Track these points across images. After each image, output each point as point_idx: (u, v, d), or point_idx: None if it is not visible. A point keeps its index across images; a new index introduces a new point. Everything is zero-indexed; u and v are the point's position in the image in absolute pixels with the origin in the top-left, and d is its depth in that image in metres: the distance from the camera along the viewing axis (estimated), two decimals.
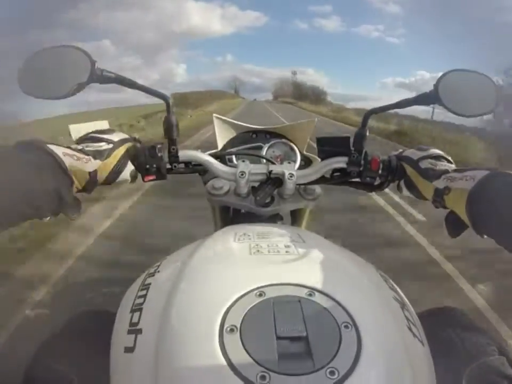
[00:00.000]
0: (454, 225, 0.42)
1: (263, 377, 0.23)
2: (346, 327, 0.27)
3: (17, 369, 0.37)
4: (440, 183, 0.43)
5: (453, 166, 0.47)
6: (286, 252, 0.37)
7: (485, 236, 0.38)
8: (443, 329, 0.44)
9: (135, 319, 0.32)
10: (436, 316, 0.48)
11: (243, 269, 0.34)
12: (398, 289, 0.39)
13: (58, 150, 0.38)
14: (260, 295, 0.29)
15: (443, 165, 0.46)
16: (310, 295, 0.30)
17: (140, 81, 0.48)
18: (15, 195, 0.33)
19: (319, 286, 0.30)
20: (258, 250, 0.37)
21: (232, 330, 0.26)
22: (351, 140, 0.52)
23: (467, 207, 0.38)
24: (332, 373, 0.24)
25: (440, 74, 0.47)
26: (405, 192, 0.52)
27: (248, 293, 0.29)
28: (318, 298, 0.29)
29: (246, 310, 0.28)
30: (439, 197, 0.43)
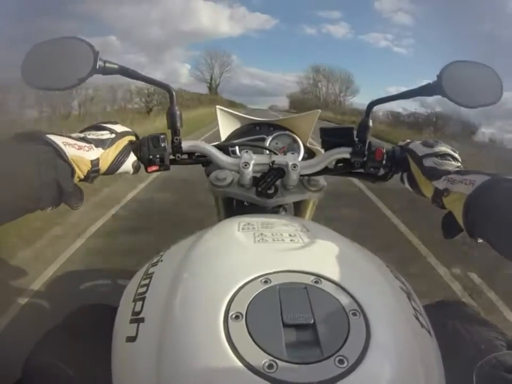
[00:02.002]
0: (450, 226, 0.43)
1: (270, 366, 0.23)
2: (354, 314, 0.26)
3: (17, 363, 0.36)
4: (440, 184, 0.43)
5: (458, 165, 0.46)
6: (291, 240, 0.36)
7: (480, 240, 0.38)
8: (450, 322, 0.43)
9: (137, 308, 0.31)
10: (442, 309, 0.48)
11: (247, 256, 0.34)
12: (404, 280, 0.38)
13: (58, 140, 0.38)
14: (266, 282, 0.29)
15: (447, 164, 0.45)
16: (317, 282, 0.29)
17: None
18: (14, 188, 0.32)
19: (325, 273, 0.30)
20: (262, 239, 0.36)
21: (237, 317, 0.26)
22: (355, 131, 0.51)
23: (464, 211, 0.38)
24: (341, 361, 0.23)
25: None
26: (407, 185, 0.52)
27: (253, 280, 0.29)
28: (324, 285, 0.29)
29: (251, 297, 0.27)
30: (438, 198, 0.44)
